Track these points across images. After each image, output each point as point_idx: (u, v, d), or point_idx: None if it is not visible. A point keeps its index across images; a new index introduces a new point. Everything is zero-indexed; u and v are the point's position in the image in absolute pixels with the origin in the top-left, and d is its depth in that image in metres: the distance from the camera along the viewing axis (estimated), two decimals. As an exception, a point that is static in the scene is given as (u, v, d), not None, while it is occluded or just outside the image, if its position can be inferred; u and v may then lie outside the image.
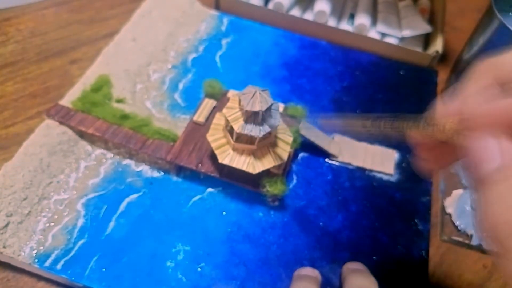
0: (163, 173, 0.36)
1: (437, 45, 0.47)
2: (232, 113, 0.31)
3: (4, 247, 0.30)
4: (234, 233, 0.34)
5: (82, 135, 0.37)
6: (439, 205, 0.38)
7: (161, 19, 0.47)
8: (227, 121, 0.32)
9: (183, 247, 0.33)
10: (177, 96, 0.42)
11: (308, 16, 0.51)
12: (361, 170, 0.39)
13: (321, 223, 0.35)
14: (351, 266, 0.32)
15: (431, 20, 0.52)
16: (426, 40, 0.51)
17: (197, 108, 0.39)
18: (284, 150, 0.33)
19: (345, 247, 0.34)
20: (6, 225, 0.31)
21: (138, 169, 0.36)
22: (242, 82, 0.42)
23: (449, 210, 0.37)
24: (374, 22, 0.51)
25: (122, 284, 0.30)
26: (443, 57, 0.49)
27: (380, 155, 0.40)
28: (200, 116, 0.38)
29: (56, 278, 0.31)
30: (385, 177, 0.39)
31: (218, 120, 0.35)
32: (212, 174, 0.35)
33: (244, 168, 0.32)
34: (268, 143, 0.33)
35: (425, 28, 0.49)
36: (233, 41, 0.48)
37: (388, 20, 0.50)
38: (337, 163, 0.39)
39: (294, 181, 0.37)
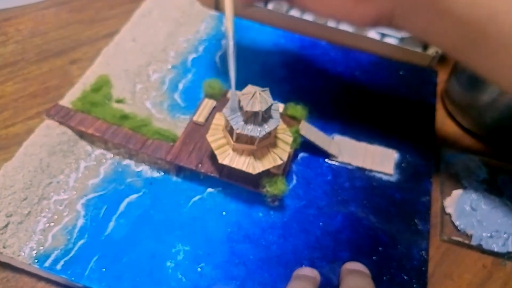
0: (163, 173, 0.36)
1: (437, 45, 0.47)
2: (232, 113, 0.31)
3: (4, 247, 0.30)
4: (234, 233, 0.34)
5: (82, 135, 0.37)
6: (439, 205, 0.38)
7: (161, 19, 0.47)
8: (227, 121, 0.32)
9: (183, 247, 0.33)
10: (177, 96, 0.42)
11: (308, 16, 0.51)
12: (361, 170, 0.39)
13: (321, 223, 0.35)
14: (350, 267, 0.32)
15: (431, 20, 0.52)
16: (426, 40, 0.51)
17: (197, 108, 0.39)
18: (284, 150, 0.33)
19: (345, 247, 0.34)
20: (6, 225, 0.31)
21: (138, 169, 0.36)
22: (242, 82, 0.42)
23: (449, 210, 0.37)
24: (374, 22, 0.51)
25: (122, 284, 0.30)
26: (443, 57, 0.49)
27: (380, 155, 0.40)
28: (200, 116, 0.38)
29: (56, 278, 0.31)
30: (385, 177, 0.39)
31: (218, 120, 0.35)
32: (212, 174, 0.35)
33: (244, 168, 0.32)
34: (268, 143, 0.33)
35: (425, 28, 0.49)
36: (233, 41, 0.48)
37: (388, 20, 0.50)
38: (337, 163, 0.39)
39: (294, 181, 0.37)
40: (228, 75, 0.31)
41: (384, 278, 0.33)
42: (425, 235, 0.35)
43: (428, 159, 0.40)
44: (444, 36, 0.30)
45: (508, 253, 0.35)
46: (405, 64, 0.48)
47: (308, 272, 0.31)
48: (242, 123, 0.31)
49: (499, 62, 0.27)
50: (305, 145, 0.38)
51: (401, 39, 0.50)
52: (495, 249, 0.35)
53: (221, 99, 0.39)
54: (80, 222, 0.33)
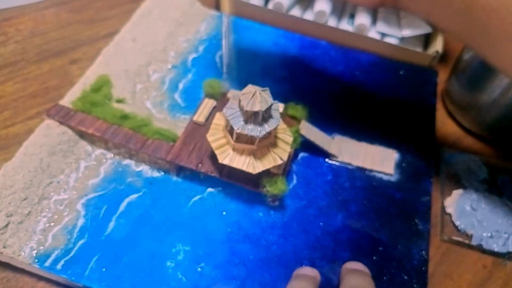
0: (163, 173, 0.36)
1: (437, 45, 0.47)
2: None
3: (4, 247, 0.30)
4: (234, 233, 0.34)
5: (82, 135, 0.37)
6: (439, 205, 0.38)
7: (161, 19, 0.47)
8: (227, 121, 0.32)
9: (183, 247, 0.33)
10: (177, 96, 0.42)
11: (308, 16, 0.51)
12: (361, 170, 0.39)
13: (321, 223, 0.35)
14: (350, 266, 0.32)
15: (431, 20, 0.52)
16: (426, 40, 0.51)
17: (197, 108, 0.39)
18: (284, 150, 0.33)
19: (345, 247, 0.34)
20: (6, 225, 0.31)
21: (138, 169, 0.36)
22: (242, 82, 0.42)
23: (449, 210, 0.37)
24: (374, 22, 0.51)
25: (122, 284, 0.30)
26: (443, 57, 0.49)
27: (380, 155, 0.40)
28: (200, 116, 0.38)
29: (56, 278, 0.31)
30: (385, 177, 0.39)
31: (218, 120, 0.35)
32: (212, 174, 0.35)
33: (244, 168, 0.32)
34: (268, 143, 0.33)
35: (425, 28, 0.49)
36: (233, 41, 0.48)
37: (388, 20, 0.50)
38: (337, 163, 0.39)
39: (294, 181, 0.37)
40: (228, 75, 0.31)
41: (384, 278, 0.33)
42: (425, 235, 0.35)
43: (428, 159, 0.40)
44: (451, 20, 0.29)
45: (509, 253, 0.35)
46: (405, 64, 0.48)
47: (308, 271, 0.31)
48: (242, 122, 0.31)
49: (510, 49, 0.27)
50: (305, 145, 0.38)
51: (401, 39, 0.50)
52: (495, 249, 0.35)
53: (221, 99, 0.39)
54: (80, 222, 0.33)
